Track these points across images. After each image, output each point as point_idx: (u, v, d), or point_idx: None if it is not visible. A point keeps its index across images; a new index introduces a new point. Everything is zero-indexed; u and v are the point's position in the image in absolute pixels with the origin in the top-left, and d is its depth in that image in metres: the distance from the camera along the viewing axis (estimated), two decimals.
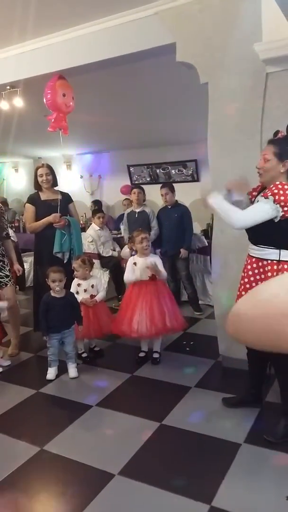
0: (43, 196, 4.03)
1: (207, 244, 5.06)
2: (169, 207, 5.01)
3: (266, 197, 2.28)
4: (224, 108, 3.12)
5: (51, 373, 3.36)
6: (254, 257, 2.46)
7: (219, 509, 1.94)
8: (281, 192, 2.25)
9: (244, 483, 2.10)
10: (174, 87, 4.58)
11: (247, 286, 2.46)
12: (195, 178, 7.81)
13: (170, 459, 2.34)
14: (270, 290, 1.98)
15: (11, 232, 4.42)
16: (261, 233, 2.38)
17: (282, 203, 2.23)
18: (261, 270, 2.41)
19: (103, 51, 3.58)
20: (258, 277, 2.42)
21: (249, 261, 2.50)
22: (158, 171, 8.18)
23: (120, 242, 5.93)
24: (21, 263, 4.90)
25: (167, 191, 4.92)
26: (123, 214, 5.78)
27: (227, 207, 2.37)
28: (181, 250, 4.83)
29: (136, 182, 8.29)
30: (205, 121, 3.24)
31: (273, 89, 2.94)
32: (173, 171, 8.00)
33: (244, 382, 2.85)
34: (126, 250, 5.69)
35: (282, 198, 2.24)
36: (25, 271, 5.88)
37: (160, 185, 5.27)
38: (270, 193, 2.27)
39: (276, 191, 2.26)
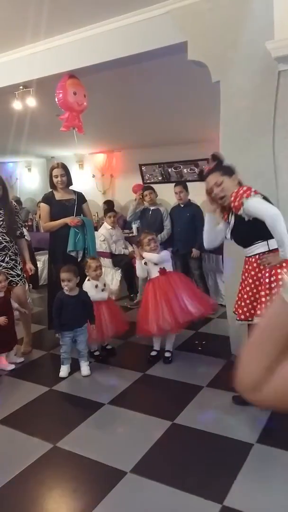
0: (58, 195, 4.07)
1: None
2: (182, 205, 5.00)
3: (248, 197, 2.42)
4: (236, 107, 3.10)
5: (64, 370, 3.39)
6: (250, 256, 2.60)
7: (230, 508, 1.93)
8: (239, 193, 2.47)
9: (257, 483, 2.10)
10: (186, 86, 4.57)
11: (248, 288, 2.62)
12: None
13: (182, 458, 2.34)
14: None
15: (24, 231, 4.47)
16: (247, 235, 2.56)
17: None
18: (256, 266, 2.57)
19: (114, 51, 3.59)
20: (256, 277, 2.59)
21: (248, 263, 2.63)
22: (170, 170, 8.16)
23: (132, 241, 5.94)
24: (34, 262, 4.95)
25: (182, 189, 4.92)
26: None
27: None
28: (193, 250, 4.82)
29: (148, 182, 8.29)
30: (217, 119, 3.23)
31: (286, 87, 2.92)
32: (185, 170, 7.98)
33: None
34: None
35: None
36: (38, 270, 5.94)
37: (172, 184, 5.26)
38: (245, 195, 2.43)
39: (241, 192, 2.45)
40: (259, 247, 2.53)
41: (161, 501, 2.03)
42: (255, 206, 2.41)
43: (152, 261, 3.55)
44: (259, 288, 2.53)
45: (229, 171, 2.54)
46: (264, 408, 0.62)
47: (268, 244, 2.50)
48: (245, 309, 2.63)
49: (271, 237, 2.44)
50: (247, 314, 2.62)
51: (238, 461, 2.25)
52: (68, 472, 2.28)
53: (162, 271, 3.50)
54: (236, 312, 2.73)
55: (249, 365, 0.76)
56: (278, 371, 0.70)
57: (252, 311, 2.60)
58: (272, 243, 2.47)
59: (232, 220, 2.59)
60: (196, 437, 2.52)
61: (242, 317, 2.65)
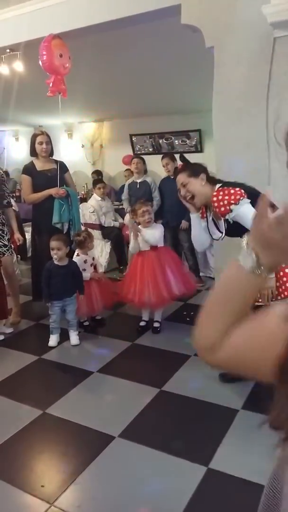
0: (39, 165, 3.95)
1: None
2: (171, 177, 4.94)
3: (237, 203, 2.25)
4: (230, 74, 3.03)
5: (53, 340, 3.41)
6: None
7: (216, 471, 2.00)
8: (223, 198, 2.28)
9: (241, 447, 2.16)
10: (179, 53, 4.44)
11: None
12: (198, 148, 7.67)
13: (169, 423, 2.40)
14: None
15: (12, 201, 4.39)
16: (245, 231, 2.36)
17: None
18: None
19: (105, 13, 3.45)
20: None
21: None
22: (161, 141, 8.03)
23: (122, 213, 5.90)
24: (22, 233, 4.90)
25: (168, 161, 4.85)
26: (124, 185, 5.72)
27: None
28: (183, 221, 4.80)
29: (139, 152, 8.16)
30: (210, 89, 3.15)
31: (281, 54, 2.84)
32: (176, 141, 7.85)
33: None
34: (128, 217, 5.68)
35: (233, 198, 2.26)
36: (27, 241, 5.88)
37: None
38: (233, 201, 2.25)
39: (227, 197, 2.27)
40: None
41: (148, 464, 2.08)
42: (246, 216, 2.21)
43: (149, 242, 3.51)
44: None
45: (195, 172, 2.44)
46: (218, 370, 0.66)
47: None
48: None
49: None
50: None
51: (223, 426, 2.31)
52: (57, 437, 2.32)
53: (154, 247, 3.50)
54: None
55: (206, 328, 0.75)
56: (229, 338, 0.70)
57: None
58: None
59: (223, 224, 2.45)
60: (183, 404, 2.57)
61: None
